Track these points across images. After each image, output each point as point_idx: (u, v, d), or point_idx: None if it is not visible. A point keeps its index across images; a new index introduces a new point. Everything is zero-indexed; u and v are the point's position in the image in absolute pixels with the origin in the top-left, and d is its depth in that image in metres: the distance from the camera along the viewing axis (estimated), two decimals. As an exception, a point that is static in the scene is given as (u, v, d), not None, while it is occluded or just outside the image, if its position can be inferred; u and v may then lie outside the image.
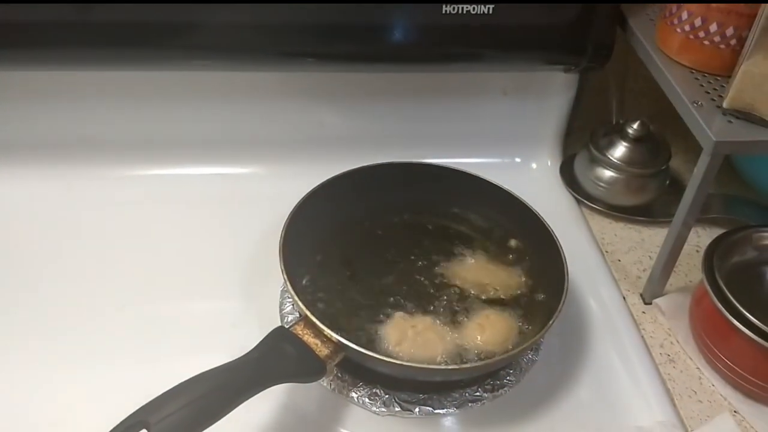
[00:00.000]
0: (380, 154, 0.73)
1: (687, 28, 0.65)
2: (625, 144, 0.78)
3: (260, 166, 0.80)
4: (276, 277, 0.62)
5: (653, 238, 0.78)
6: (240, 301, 0.66)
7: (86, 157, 0.77)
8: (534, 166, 0.85)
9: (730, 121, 0.61)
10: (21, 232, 0.72)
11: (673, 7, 0.67)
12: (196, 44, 0.69)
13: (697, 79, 0.66)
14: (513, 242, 0.70)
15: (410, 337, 0.58)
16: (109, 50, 0.69)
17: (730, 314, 0.59)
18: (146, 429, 0.45)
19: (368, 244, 0.68)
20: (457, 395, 0.58)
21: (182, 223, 0.74)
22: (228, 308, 0.65)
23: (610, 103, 0.84)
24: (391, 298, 0.63)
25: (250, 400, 0.50)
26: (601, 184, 0.79)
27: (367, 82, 0.78)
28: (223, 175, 0.80)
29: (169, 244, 0.71)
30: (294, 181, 0.67)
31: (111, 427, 0.45)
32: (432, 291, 0.64)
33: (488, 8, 0.68)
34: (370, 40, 0.71)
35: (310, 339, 0.54)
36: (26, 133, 0.76)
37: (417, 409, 0.57)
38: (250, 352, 0.52)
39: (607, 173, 0.79)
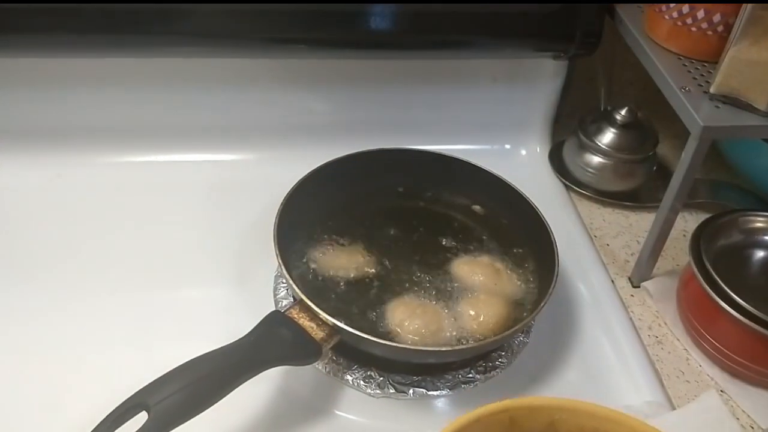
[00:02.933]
0: (370, 140, 0.73)
1: (675, 15, 0.66)
2: (613, 130, 0.79)
3: (250, 152, 0.80)
4: (268, 263, 0.63)
5: (641, 222, 0.80)
6: (233, 286, 0.66)
7: (75, 144, 0.77)
8: (523, 152, 0.86)
9: (717, 107, 0.62)
10: (10, 220, 0.71)
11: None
12: (185, 31, 0.69)
13: (684, 65, 0.67)
14: (504, 228, 0.70)
15: (407, 321, 0.58)
16: (97, 37, 0.69)
17: (717, 296, 0.60)
18: (145, 411, 0.45)
19: (359, 229, 0.68)
20: (450, 377, 0.58)
21: (173, 209, 0.74)
22: (221, 294, 0.65)
23: (598, 89, 0.85)
24: (386, 283, 0.63)
25: (245, 383, 0.50)
26: (590, 169, 0.80)
27: (356, 69, 0.78)
28: (213, 161, 0.79)
29: (160, 231, 0.71)
30: (284, 168, 0.67)
31: (107, 411, 0.45)
32: (427, 275, 0.64)
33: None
34: (360, 26, 0.71)
35: (305, 322, 0.54)
36: (15, 120, 0.75)
37: (411, 391, 0.57)
38: (246, 335, 0.53)
39: (596, 159, 0.79)
